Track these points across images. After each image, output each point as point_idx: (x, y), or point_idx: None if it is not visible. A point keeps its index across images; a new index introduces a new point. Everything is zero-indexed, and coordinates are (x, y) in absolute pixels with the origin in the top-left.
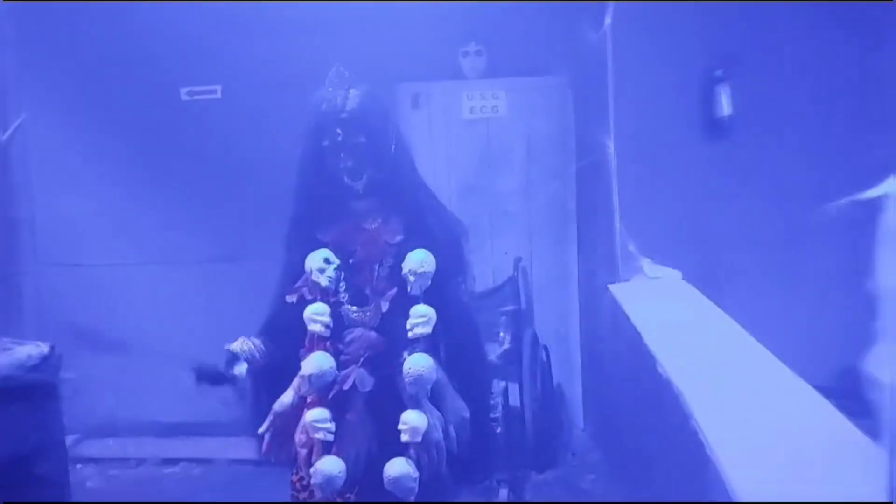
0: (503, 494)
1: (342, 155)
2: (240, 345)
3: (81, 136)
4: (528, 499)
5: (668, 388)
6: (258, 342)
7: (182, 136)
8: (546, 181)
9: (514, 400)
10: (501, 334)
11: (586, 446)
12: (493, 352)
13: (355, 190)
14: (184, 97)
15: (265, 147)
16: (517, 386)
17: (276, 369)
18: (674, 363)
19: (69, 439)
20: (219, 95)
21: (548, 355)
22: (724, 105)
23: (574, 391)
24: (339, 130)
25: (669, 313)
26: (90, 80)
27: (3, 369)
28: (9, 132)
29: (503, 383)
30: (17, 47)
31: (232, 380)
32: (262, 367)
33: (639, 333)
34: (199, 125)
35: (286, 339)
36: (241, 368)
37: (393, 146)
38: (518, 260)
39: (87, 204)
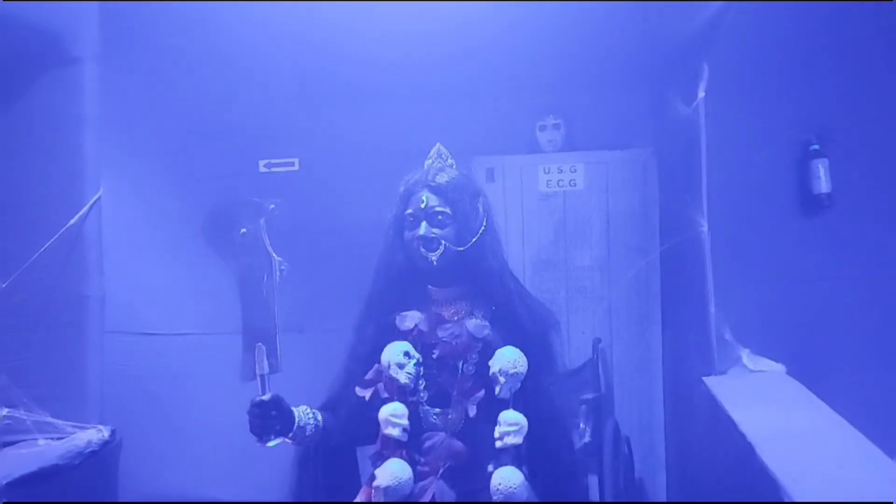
0: None
1: (423, 223)
2: (301, 412)
3: (157, 208)
4: None
5: None
6: (320, 418)
7: None
8: (627, 257)
9: (592, 495)
10: (582, 426)
11: None
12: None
13: (430, 263)
14: (262, 169)
15: (340, 220)
16: (595, 478)
17: (330, 455)
18: (805, 496)
19: None
20: (297, 168)
21: (630, 448)
22: (823, 181)
23: (657, 487)
24: (424, 198)
25: (782, 421)
26: (168, 154)
27: (61, 458)
28: (85, 208)
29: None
30: (96, 124)
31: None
32: (314, 447)
33: (751, 446)
34: (276, 198)
35: (347, 425)
36: (274, 442)
37: (482, 227)
38: (597, 341)
39: (161, 274)
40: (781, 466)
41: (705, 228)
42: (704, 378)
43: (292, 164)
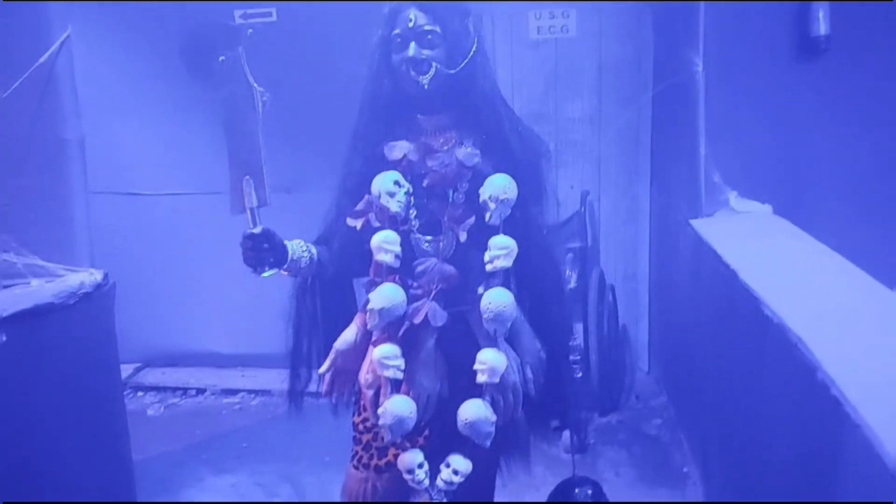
0: (565, 437)
1: (411, 43)
2: (295, 245)
3: (129, 57)
4: (591, 442)
5: (780, 334)
6: (314, 252)
7: None
8: (618, 107)
9: (578, 340)
10: (567, 272)
11: (651, 390)
12: None
13: (420, 87)
14: (237, 19)
15: (322, 74)
16: (581, 326)
17: (326, 286)
18: (783, 306)
19: (130, 367)
20: (274, 18)
21: (614, 296)
22: (821, 23)
23: (640, 333)
24: (412, 16)
25: (765, 250)
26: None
27: (55, 297)
28: (55, 45)
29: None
30: None
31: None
32: (311, 280)
33: (733, 272)
34: (254, 49)
35: (341, 256)
36: (268, 272)
37: (473, 49)
38: (585, 194)
39: (140, 130)
40: (764, 287)
41: (700, 68)
42: (691, 221)
43: (269, 14)
